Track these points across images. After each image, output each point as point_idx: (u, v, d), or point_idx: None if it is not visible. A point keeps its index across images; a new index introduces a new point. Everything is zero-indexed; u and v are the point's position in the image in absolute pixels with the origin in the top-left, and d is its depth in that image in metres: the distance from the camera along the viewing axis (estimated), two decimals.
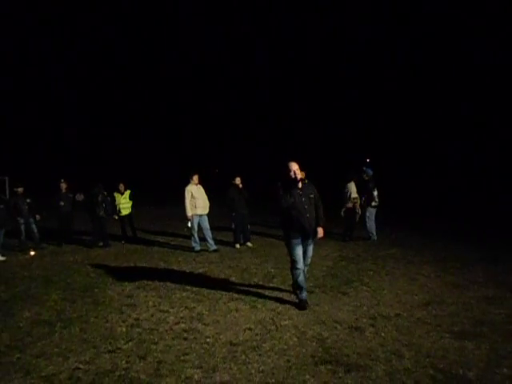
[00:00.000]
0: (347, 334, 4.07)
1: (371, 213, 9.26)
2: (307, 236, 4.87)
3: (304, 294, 4.92)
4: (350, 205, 9.21)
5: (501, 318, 4.43)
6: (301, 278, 4.86)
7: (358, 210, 9.29)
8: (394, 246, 8.71)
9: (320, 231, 4.95)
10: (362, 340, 3.93)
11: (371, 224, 9.32)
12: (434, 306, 4.84)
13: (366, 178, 9.30)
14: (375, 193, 9.16)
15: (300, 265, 4.84)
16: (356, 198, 9.26)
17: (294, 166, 4.77)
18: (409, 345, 3.80)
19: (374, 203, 9.18)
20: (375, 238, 9.32)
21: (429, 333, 4.07)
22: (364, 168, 9.50)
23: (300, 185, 4.82)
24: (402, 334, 4.07)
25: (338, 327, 4.27)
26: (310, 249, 5.05)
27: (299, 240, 4.82)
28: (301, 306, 4.85)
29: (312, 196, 4.91)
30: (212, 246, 8.40)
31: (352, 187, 9.27)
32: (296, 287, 4.96)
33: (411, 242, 9.07)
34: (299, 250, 4.83)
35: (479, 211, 14.55)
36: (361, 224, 9.43)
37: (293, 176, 4.74)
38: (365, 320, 4.45)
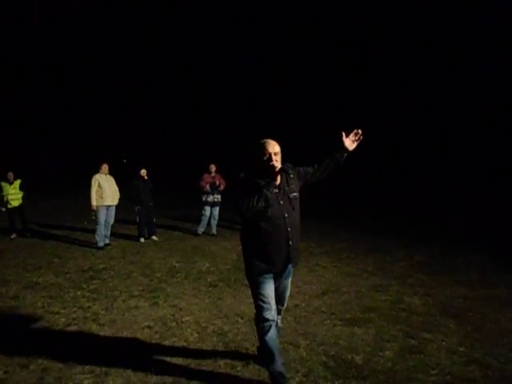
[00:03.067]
0: (248, 327, 4.12)
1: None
2: (284, 265, 3.02)
3: (279, 364, 2.98)
4: None
5: (387, 304, 4.85)
6: (271, 336, 2.97)
7: None
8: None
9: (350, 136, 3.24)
10: None
11: None
12: (330, 295, 5.14)
13: None
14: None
15: (271, 313, 2.96)
16: None
17: (272, 148, 2.92)
18: (305, 334, 3.97)
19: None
20: None
21: (323, 321, 4.30)
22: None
23: (278, 179, 2.98)
24: (299, 323, 4.25)
25: (240, 320, 4.31)
26: (288, 283, 3.23)
27: (270, 274, 2.99)
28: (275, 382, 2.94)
29: (296, 196, 3.02)
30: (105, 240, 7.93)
31: None
32: (265, 352, 3.02)
33: (315, 235, 9.55)
34: (270, 289, 2.99)
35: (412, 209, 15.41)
36: None
37: (269, 163, 2.88)
38: None
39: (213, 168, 9.08)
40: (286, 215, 2.95)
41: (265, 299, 2.96)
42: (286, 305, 3.39)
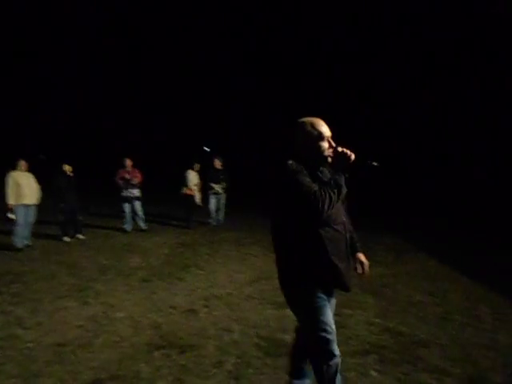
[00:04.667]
0: (182, 318, 4.20)
1: (211, 200, 9.64)
2: (345, 282, 2.34)
3: None
4: (188, 191, 9.39)
5: None
6: (339, 378, 2.42)
7: (198, 197, 9.54)
8: (230, 230, 9.26)
9: (363, 260, 2.65)
10: (196, 321, 4.12)
11: (211, 210, 9.70)
12: (261, 282, 5.38)
13: (218, 167, 9.63)
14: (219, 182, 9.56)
15: (337, 346, 2.37)
16: (197, 184, 9.49)
17: (326, 128, 2.38)
18: (238, 319, 4.15)
19: (213, 191, 9.56)
20: (215, 223, 9.74)
21: (255, 306, 4.51)
22: (214, 156, 9.87)
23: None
24: (232, 310, 4.42)
25: (174, 312, 4.37)
26: (334, 303, 2.60)
27: (329, 294, 2.41)
28: None
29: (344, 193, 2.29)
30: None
31: (191, 174, 9.46)
32: None
33: (245, 225, 9.80)
34: (331, 315, 2.41)
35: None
36: (201, 210, 9.73)
37: (329, 149, 2.35)
38: (199, 302, 4.66)
39: (128, 163, 8.92)
40: (344, 219, 2.41)
41: (329, 328, 2.32)
42: None
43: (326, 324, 2.31)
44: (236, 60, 32.33)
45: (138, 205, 9.02)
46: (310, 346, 2.42)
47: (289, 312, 4.29)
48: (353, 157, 2.24)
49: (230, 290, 5.09)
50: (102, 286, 5.26)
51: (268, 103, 29.62)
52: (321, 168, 2.37)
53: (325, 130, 2.35)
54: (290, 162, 2.25)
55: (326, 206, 2.12)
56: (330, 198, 2.13)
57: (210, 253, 7.06)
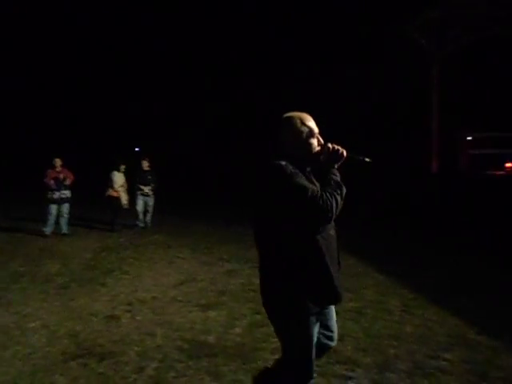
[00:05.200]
0: (103, 325, 4.06)
1: (139, 202, 9.36)
2: (339, 293, 2.13)
3: None
4: (113, 193, 9.04)
5: (238, 287, 5.29)
6: None
7: (125, 199, 9.22)
8: (158, 232, 9.07)
9: None
10: (118, 327, 4.01)
11: (138, 212, 9.41)
12: (187, 285, 5.36)
13: (146, 168, 9.37)
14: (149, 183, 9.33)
15: (313, 368, 2.19)
16: (122, 185, 9.16)
17: (314, 123, 2.22)
18: (162, 323, 4.10)
19: (141, 192, 9.31)
20: (142, 225, 9.47)
21: (180, 309, 4.49)
22: (142, 157, 9.66)
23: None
24: (156, 314, 4.36)
25: (94, 319, 4.21)
26: (334, 315, 2.38)
27: (320, 305, 2.14)
28: None
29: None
30: None
31: (116, 176, 9.11)
32: None
33: (174, 228, 9.65)
34: (316, 328, 2.16)
35: None
36: (128, 212, 9.41)
37: (317, 146, 2.20)
38: (122, 307, 4.53)
39: (58, 162, 8.43)
40: (333, 223, 2.17)
41: (312, 347, 2.12)
42: (335, 340, 2.45)
43: (311, 342, 2.11)
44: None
45: (66, 207, 8.52)
46: (286, 365, 2.22)
47: (213, 313, 4.36)
48: (345, 153, 2.14)
49: (155, 293, 5.01)
50: (14, 294, 4.91)
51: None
52: (308, 168, 2.15)
53: (313, 125, 2.19)
54: (284, 162, 2.03)
55: (334, 210, 1.96)
56: (336, 200, 1.98)
57: (135, 256, 6.87)
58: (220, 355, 3.42)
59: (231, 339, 3.74)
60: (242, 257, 6.84)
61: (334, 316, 2.36)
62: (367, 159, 2.26)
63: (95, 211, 11.12)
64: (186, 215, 11.62)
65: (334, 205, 1.96)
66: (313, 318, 2.10)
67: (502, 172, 9.79)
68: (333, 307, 2.34)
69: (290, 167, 2.02)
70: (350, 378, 3.13)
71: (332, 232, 2.17)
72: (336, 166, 2.17)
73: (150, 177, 9.45)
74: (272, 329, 3.88)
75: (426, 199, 10.50)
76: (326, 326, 2.31)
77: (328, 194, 1.97)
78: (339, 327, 3.99)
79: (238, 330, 3.95)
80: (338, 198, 2.00)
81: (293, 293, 2.06)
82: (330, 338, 2.37)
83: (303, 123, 2.17)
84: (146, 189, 9.38)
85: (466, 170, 9.85)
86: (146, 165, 9.50)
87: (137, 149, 29.49)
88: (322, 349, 2.34)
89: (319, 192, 1.97)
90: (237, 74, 27.07)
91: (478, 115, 12.54)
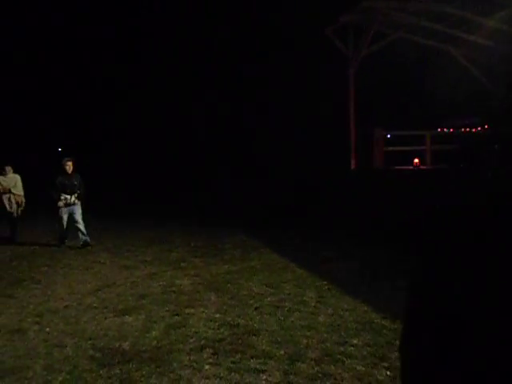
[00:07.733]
0: (7, 339, 3.79)
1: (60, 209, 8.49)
2: None
3: None
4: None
5: (159, 289, 5.20)
6: None
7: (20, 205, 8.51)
8: (76, 237, 8.58)
9: None
10: (24, 341, 3.76)
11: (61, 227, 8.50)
12: (105, 290, 5.16)
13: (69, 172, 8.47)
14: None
15: None
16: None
17: None
18: (73, 333, 3.92)
19: (63, 202, 8.35)
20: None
21: (95, 316, 4.32)
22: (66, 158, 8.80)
23: None
24: (68, 324, 4.15)
25: None
26: None
27: None
28: None
29: None
30: None
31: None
32: None
33: (95, 232, 9.20)
34: None
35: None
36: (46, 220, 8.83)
37: None
38: (30, 319, 4.26)
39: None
40: None
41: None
42: None
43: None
44: None
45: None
46: None
47: (130, 318, 4.25)
48: None
49: (69, 302, 4.77)
50: None
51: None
52: None
53: None
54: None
55: None
56: None
57: (50, 264, 6.48)
58: (134, 361, 3.35)
59: (147, 343, 3.67)
60: (166, 258, 6.74)
61: None
62: None
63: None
64: (107, 219, 11.16)
65: None
66: None
67: (410, 167, 10.66)
68: None
69: None
70: (263, 371, 3.22)
71: None
72: None
73: (75, 182, 7.92)
74: (188, 330, 3.88)
75: (341, 194, 11.11)
76: None
77: None
78: (257, 322, 4.10)
79: (154, 333, 3.88)
80: None
81: None
82: None
83: None
84: (72, 197, 7.91)
85: (381, 166, 10.59)
86: (69, 167, 7.98)
87: (59, 149, 27.64)
88: None
89: None
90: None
91: (390, 115, 13.50)
